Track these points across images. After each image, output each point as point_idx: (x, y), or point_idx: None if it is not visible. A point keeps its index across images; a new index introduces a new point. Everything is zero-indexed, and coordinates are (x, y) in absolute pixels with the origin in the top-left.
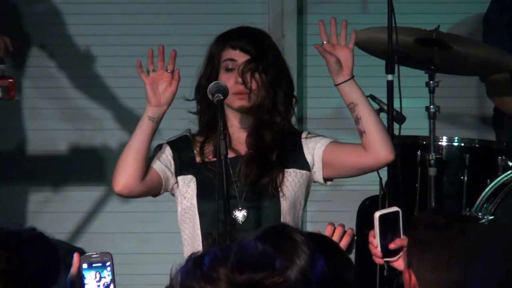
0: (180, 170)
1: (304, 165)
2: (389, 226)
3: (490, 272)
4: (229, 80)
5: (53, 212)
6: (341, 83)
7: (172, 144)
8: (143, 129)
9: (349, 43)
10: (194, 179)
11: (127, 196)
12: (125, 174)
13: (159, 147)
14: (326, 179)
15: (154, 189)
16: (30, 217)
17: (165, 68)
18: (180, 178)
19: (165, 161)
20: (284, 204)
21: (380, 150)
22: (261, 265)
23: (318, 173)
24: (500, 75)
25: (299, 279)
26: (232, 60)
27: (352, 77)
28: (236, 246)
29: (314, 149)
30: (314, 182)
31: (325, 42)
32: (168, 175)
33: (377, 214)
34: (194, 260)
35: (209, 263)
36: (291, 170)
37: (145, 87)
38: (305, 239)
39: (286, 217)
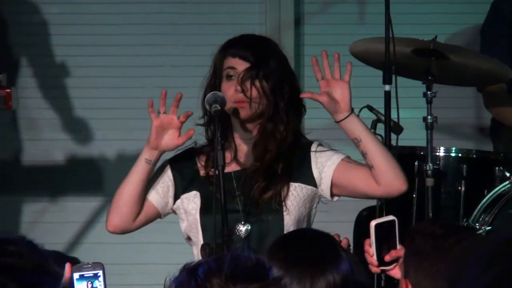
0: (183, 189)
1: (311, 180)
2: (385, 235)
3: (477, 281)
4: (229, 88)
5: (50, 223)
6: (341, 120)
7: (174, 162)
8: (138, 171)
9: (345, 76)
10: (198, 194)
11: (122, 234)
12: (117, 216)
13: (160, 169)
14: (333, 195)
15: (151, 220)
16: (27, 227)
17: (177, 116)
18: (184, 196)
19: (162, 188)
20: (288, 219)
21: (391, 183)
22: (255, 276)
23: (326, 191)
24: (497, 85)
25: None
26: (232, 68)
27: (352, 111)
28: (230, 257)
29: (323, 166)
30: (322, 197)
31: (319, 79)
32: (164, 202)
33: (373, 223)
34: (188, 271)
35: (203, 274)
36: (296, 184)
37: (150, 127)
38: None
39: None
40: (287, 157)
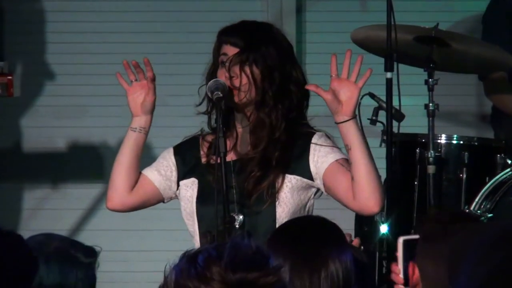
0: (183, 175)
1: (307, 173)
2: (410, 252)
3: (475, 271)
4: (222, 76)
5: (51, 209)
6: (339, 122)
7: (178, 149)
8: (125, 141)
9: (359, 81)
10: (196, 182)
11: (122, 211)
12: (112, 189)
13: (164, 154)
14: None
15: (151, 200)
16: (29, 214)
17: (145, 77)
18: (182, 183)
19: (165, 171)
20: (280, 211)
21: (365, 201)
22: (255, 265)
23: (321, 186)
24: (498, 74)
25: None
26: (225, 54)
27: (353, 117)
28: (230, 245)
29: (318, 162)
30: (318, 190)
31: (333, 75)
32: (167, 184)
33: (401, 239)
34: (188, 258)
35: (202, 262)
36: (292, 176)
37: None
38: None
39: None
40: (284, 147)
